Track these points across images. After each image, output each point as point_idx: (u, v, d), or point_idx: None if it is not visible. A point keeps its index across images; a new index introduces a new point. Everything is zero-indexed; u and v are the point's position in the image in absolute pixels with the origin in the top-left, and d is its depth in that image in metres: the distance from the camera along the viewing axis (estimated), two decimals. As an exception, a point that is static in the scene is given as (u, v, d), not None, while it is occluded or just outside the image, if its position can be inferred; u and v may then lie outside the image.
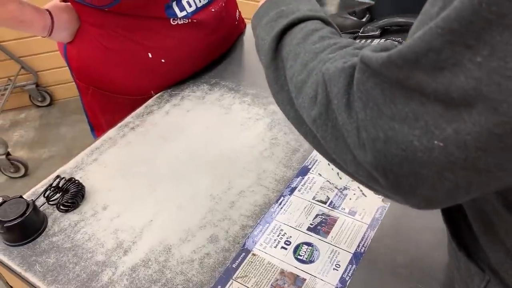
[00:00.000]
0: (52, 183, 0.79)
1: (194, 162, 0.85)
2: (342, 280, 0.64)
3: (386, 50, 0.34)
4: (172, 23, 0.98)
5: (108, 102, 1.07)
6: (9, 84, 2.41)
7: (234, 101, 1.00)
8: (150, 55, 0.99)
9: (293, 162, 0.83)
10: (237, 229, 0.72)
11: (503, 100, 0.27)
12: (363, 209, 0.74)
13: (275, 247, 0.69)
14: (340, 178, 0.79)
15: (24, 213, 0.71)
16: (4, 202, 0.72)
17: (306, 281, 0.65)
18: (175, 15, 0.97)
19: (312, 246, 0.69)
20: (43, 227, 0.74)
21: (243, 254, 0.69)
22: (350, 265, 0.66)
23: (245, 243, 0.70)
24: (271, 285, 0.64)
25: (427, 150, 0.31)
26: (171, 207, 0.77)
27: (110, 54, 0.99)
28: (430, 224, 0.68)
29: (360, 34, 1.11)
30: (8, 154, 2.14)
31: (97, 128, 1.15)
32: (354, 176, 0.40)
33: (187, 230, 0.73)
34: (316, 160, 0.83)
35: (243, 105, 0.98)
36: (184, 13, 0.98)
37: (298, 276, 0.65)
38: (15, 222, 0.70)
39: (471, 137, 0.29)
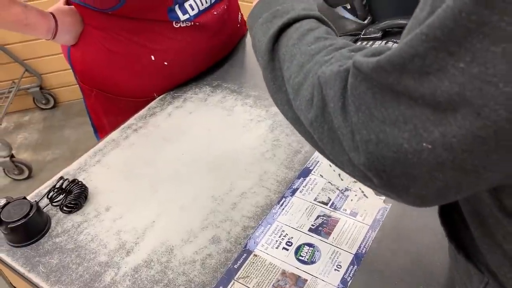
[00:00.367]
0: (56, 185, 0.79)
1: (196, 163, 0.86)
2: (343, 281, 0.64)
3: (378, 54, 0.35)
4: (174, 26, 0.99)
5: (111, 104, 1.07)
6: (13, 87, 2.43)
7: (236, 103, 1.00)
8: (153, 58, 1.00)
9: (294, 163, 0.84)
10: (238, 230, 0.73)
11: (485, 104, 0.28)
12: (364, 210, 0.74)
13: (276, 248, 0.70)
14: (342, 180, 0.79)
15: (28, 214, 0.71)
16: (8, 203, 0.73)
17: (308, 281, 0.65)
18: (177, 18, 0.98)
19: (314, 247, 0.69)
20: (47, 228, 0.75)
21: (245, 255, 0.69)
22: (352, 266, 0.66)
23: (246, 244, 0.71)
24: (273, 285, 0.65)
25: (417, 152, 0.32)
26: (173, 208, 0.77)
27: (113, 56, 1.00)
28: (432, 225, 0.69)
29: (361, 36, 1.11)
30: (12, 156, 2.15)
31: (100, 130, 1.16)
32: (351, 175, 0.41)
33: (189, 231, 0.73)
34: (318, 162, 0.83)
35: (245, 107, 0.98)
36: (186, 16, 0.99)
37: (299, 276, 0.66)
38: (19, 223, 0.70)
39: (457, 140, 0.30)
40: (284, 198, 0.77)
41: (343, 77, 0.38)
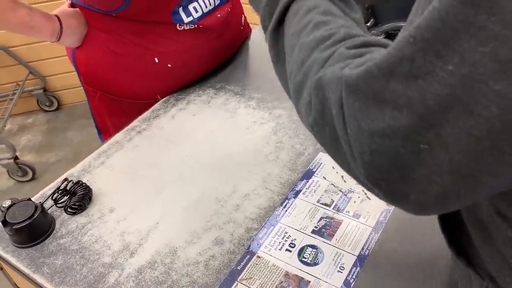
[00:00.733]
0: (60, 186, 0.80)
1: (199, 165, 0.86)
2: (346, 283, 0.65)
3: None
4: (178, 28, 1.00)
5: (115, 106, 1.08)
6: (17, 89, 2.44)
7: (239, 105, 1.00)
8: (156, 60, 1.01)
9: (297, 165, 0.84)
10: (242, 232, 0.73)
11: (477, 101, 0.28)
12: (367, 212, 0.74)
13: (279, 249, 0.70)
14: (345, 181, 0.80)
15: (33, 215, 0.72)
16: (13, 204, 0.73)
17: (311, 283, 0.65)
18: (181, 21, 0.99)
19: (317, 248, 0.70)
20: (51, 229, 0.75)
21: (248, 256, 0.69)
22: (354, 268, 0.66)
23: (250, 246, 0.71)
24: (276, 287, 0.65)
25: (414, 153, 0.31)
26: (176, 210, 0.78)
27: (117, 58, 1.00)
28: (435, 227, 0.68)
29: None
30: (16, 158, 2.16)
31: (104, 132, 1.16)
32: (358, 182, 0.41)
33: (193, 233, 0.74)
34: (321, 164, 0.83)
35: (248, 109, 0.99)
36: (190, 18, 1.00)
37: (302, 278, 0.66)
38: (24, 224, 0.71)
39: (452, 139, 0.29)
40: (287, 200, 0.77)
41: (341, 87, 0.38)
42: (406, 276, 0.65)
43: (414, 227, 0.71)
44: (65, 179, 0.81)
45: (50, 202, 0.79)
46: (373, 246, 0.69)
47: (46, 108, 2.67)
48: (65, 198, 0.79)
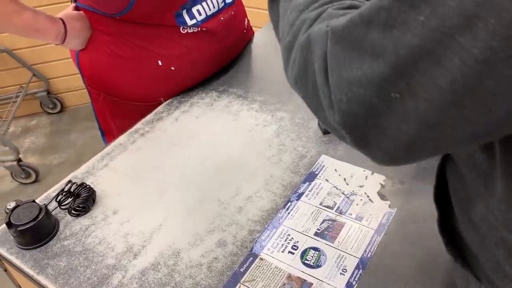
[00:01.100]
0: (64, 188, 0.80)
1: (202, 167, 0.87)
2: (348, 285, 0.65)
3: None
4: (182, 31, 1.00)
5: (119, 108, 1.09)
6: (21, 92, 2.45)
7: (242, 107, 1.01)
8: (160, 63, 1.01)
9: (300, 168, 0.84)
10: (244, 234, 0.73)
11: (444, 53, 0.29)
12: (369, 215, 0.74)
13: (282, 251, 0.70)
14: (347, 184, 0.80)
15: (37, 217, 0.72)
16: (17, 206, 0.74)
17: (313, 285, 0.65)
18: (185, 23, 0.99)
19: (319, 250, 0.70)
20: (55, 231, 0.76)
21: (251, 258, 0.70)
22: (357, 270, 0.67)
23: (252, 248, 0.71)
24: (279, 289, 0.65)
25: (386, 101, 0.33)
26: (180, 212, 0.78)
27: (121, 61, 1.01)
28: (437, 229, 0.69)
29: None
30: (19, 160, 2.17)
31: (108, 134, 1.17)
32: (331, 131, 0.43)
33: (196, 235, 0.74)
34: (323, 166, 0.84)
35: (251, 112, 0.99)
36: (194, 21, 1.00)
37: (305, 280, 0.66)
38: (28, 226, 0.71)
39: (421, 88, 0.31)
40: (289, 202, 0.78)
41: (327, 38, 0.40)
42: (408, 278, 0.65)
43: (416, 230, 0.71)
44: (69, 181, 0.81)
45: (54, 204, 0.79)
46: (375, 248, 0.69)
47: (50, 111, 2.68)
48: (69, 200, 0.80)
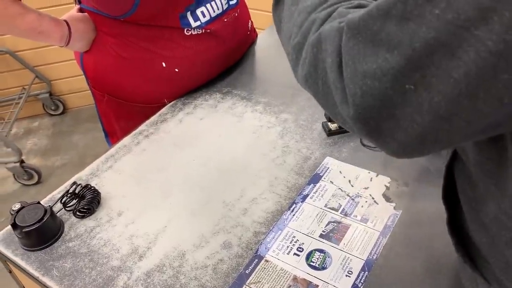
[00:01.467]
0: (69, 190, 0.80)
1: (207, 169, 0.87)
2: (354, 287, 0.65)
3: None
4: (186, 33, 1.00)
5: (123, 110, 1.09)
6: (23, 93, 2.46)
7: (246, 109, 1.01)
8: (164, 64, 1.01)
9: (304, 169, 0.84)
10: (250, 236, 0.73)
11: (459, 45, 0.29)
12: (375, 217, 0.74)
13: (287, 253, 0.70)
14: (352, 186, 0.80)
15: (42, 218, 0.72)
16: (22, 207, 0.74)
17: (319, 287, 0.65)
18: (189, 25, 0.99)
19: (325, 252, 0.70)
20: (60, 233, 0.76)
21: (256, 260, 0.70)
22: (363, 272, 0.67)
23: (258, 250, 0.71)
24: (284, 291, 0.65)
25: (400, 93, 0.34)
26: (184, 214, 0.78)
27: (125, 63, 1.01)
28: (442, 231, 0.68)
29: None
30: (22, 161, 2.17)
31: (112, 135, 1.17)
32: (343, 126, 0.43)
33: (201, 236, 0.74)
34: (328, 168, 0.84)
35: (255, 114, 0.99)
36: (198, 23, 1.00)
37: (310, 282, 0.66)
38: (33, 227, 0.71)
39: (435, 80, 0.31)
40: (294, 204, 0.78)
41: (341, 34, 0.40)
42: (413, 280, 0.65)
43: (422, 232, 0.71)
44: (74, 183, 0.82)
45: (59, 206, 0.79)
46: (381, 250, 0.69)
47: (52, 112, 2.68)
48: (74, 201, 0.80)
